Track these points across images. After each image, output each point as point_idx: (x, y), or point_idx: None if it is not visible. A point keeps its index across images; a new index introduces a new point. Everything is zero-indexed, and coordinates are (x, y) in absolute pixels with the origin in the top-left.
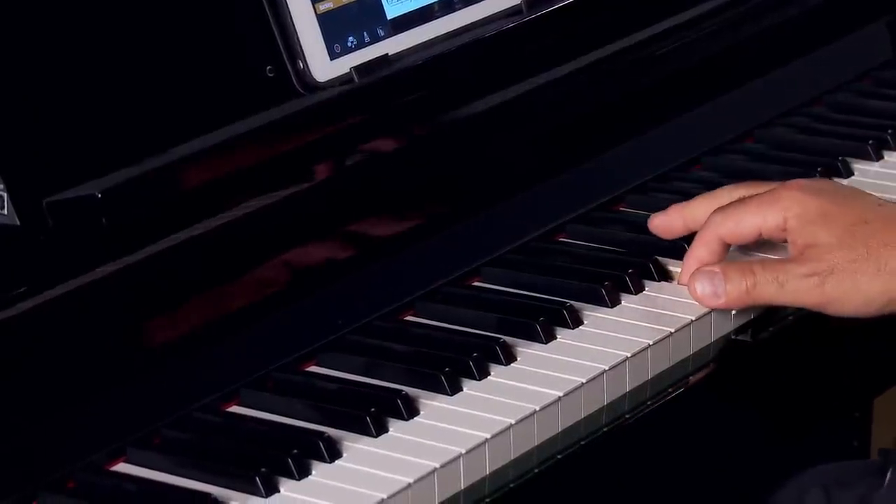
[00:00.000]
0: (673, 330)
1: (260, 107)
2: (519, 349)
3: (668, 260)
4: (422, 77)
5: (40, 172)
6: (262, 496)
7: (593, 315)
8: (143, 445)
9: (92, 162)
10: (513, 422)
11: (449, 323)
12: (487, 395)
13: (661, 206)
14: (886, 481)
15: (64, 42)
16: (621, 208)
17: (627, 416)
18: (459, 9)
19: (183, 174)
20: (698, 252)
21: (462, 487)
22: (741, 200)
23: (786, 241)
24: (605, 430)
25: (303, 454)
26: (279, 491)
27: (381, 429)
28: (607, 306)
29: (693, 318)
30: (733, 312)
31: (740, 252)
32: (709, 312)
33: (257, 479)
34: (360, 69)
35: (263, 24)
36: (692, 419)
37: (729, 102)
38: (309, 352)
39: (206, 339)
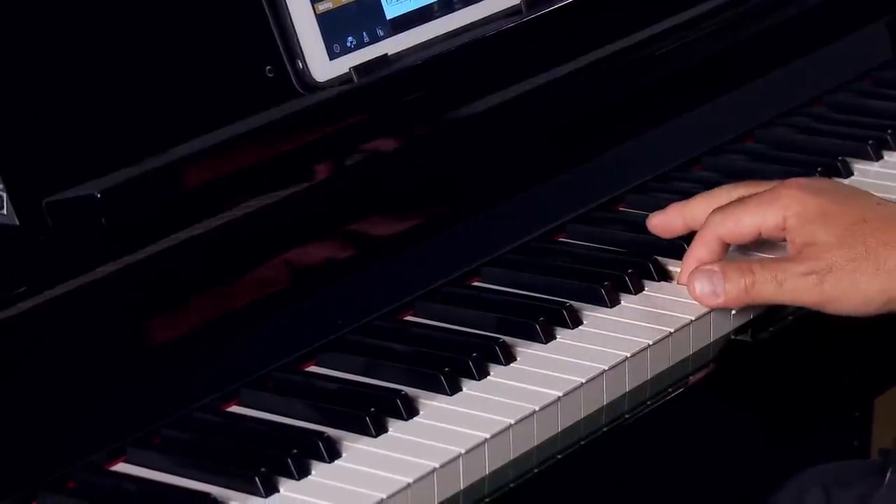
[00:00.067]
0: (672, 330)
1: (259, 107)
2: (518, 349)
3: (668, 260)
4: (421, 77)
5: (40, 172)
6: (261, 496)
7: (593, 315)
8: (143, 445)
9: (92, 162)
10: (512, 422)
11: (449, 323)
12: (487, 395)
13: (661, 207)
14: (886, 481)
15: (64, 42)
16: (621, 208)
17: (627, 416)
18: (459, 9)
19: (183, 174)
20: (698, 252)
21: (462, 487)
22: (740, 200)
23: (785, 240)
24: (604, 430)
25: (302, 454)
26: (279, 491)
27: (381, 429)
28: (607, 306)
29: (693, 318)
30: (733, 312)
31: (740, 252)
32: (708, 312)
33: (257, 479)
34: (360, 69)
35: (263, 24)
36: (692, 419)
37: (729, 102)
38: (309, 352)
39: (206, 339)
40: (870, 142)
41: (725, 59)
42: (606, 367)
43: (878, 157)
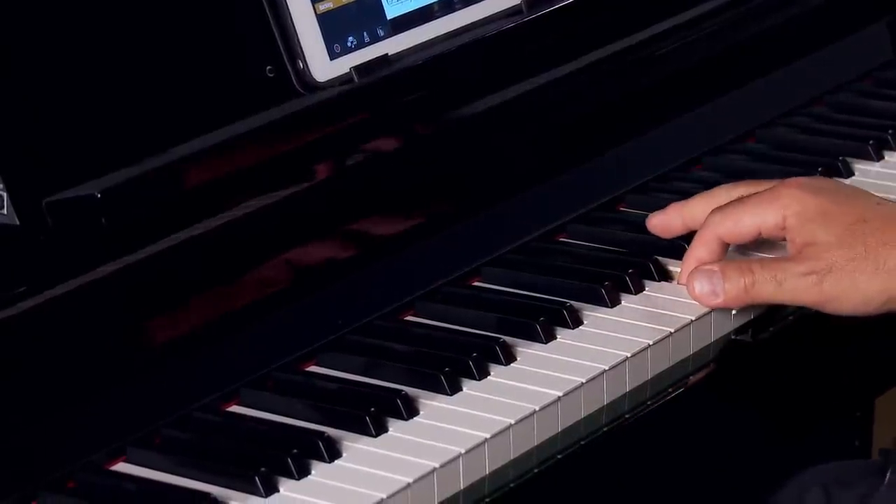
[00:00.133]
0: (673, 330)
1: (260, 107)
2: (519, 349)
3: (669, 260)
4: (422, 77)
5: (40, 172)
6: (261, 496)
7: (593, 315)
8: (143, 445)
9: (91, 162)
10: (512, 422)
11: (449, 323)
12: (487, 395)
13: (662, 207)
14: (886, 481)
15: (64, 42)
16: (621, 208)
17: (627, 415)
18: (459, 9)
19: (183, 174)
20: (697, 252)
21: (462, 487)
22: (740, 199)
23: (785, 239)
24: (604, 430)
25: (302, 454)
26: (279, 491)
27: (381, 429)
28: (607, 306)
29: (693, 318)
30: (733, 312)
31: (739, 252)
32: (709, 312)
33: (257, 478)
34: (360, 69)
35: (263, 25)
36: (692, 419)
37: (730, 102)
38: (309, 351)
39: (206, 338)
40: (871, 142)
41: (726, 59)
42: (607, 367)
43: (879, 158)
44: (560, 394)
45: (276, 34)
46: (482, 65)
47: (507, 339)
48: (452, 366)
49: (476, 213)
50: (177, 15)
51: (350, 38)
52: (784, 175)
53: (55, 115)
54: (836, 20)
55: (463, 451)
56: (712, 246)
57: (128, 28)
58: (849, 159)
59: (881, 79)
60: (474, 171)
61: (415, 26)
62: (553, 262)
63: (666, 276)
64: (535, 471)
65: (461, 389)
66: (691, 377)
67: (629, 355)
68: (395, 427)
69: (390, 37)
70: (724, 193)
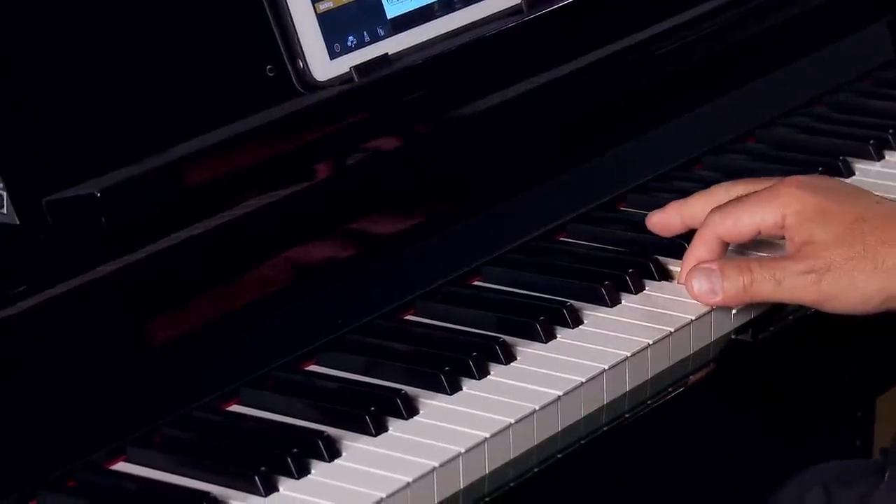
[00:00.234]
0: (673, 329)
1: (260, 106)
2: (519, 348)
3: (669, 259)
4: (422, 77)
5: (40, 171)
6: (261, 495)
7: (593, 314)
8: (143, 444)
9: (92, 161)
10: (512, 421)
11: (449, 322)
12: (487, 395)
13: (662, 206)
14: (885, 480)
15: (64, 41)
16: (622, 208)
17: (627, 415)
18: (459, 8)
19: (183, 173)
20: (697, 251)
21: (461, 487)
22: (739, 198)
23: (784, 238)
24: (604, 429)
25: (302, 453)
26: (278, 490)
27: (381, 428)
28: (607, 306)
29: (693, 318)
30: (733, 312)
31: (739, 251)
32: (709, 312)
33: (256, 478)
34: (360, 69)
35: (263, 24)
36: (692, 419)
37: (730, 102)
38: (309, 351)
39: (206, 338)
40: (871, 142)
41: (726, 58)
42: (607, 367)
43: (880, 157)
44: (560, 393)
45: (277, 34)
46: (482, 64)
47: (508, 338)
48: (452, 365)
49: (476, 213)
50: (177, 14)
51: (350, 38)
52: (784, 175)
53: (55, 115)
54: (837, 20)
55: (463, 450)
56: (712, 245)
57: (128, 27)
58: (849, 159)
59: (881, 79)
60: (474, 170)
61: (415, 26)
62: (553, 262)
63: (666, 275)
64: (535, 470)
65: (461, 389)
66: (691, 377)
67: (629, 355)
68: (395, 426)
69: (390, 36)
70: (724, 192)
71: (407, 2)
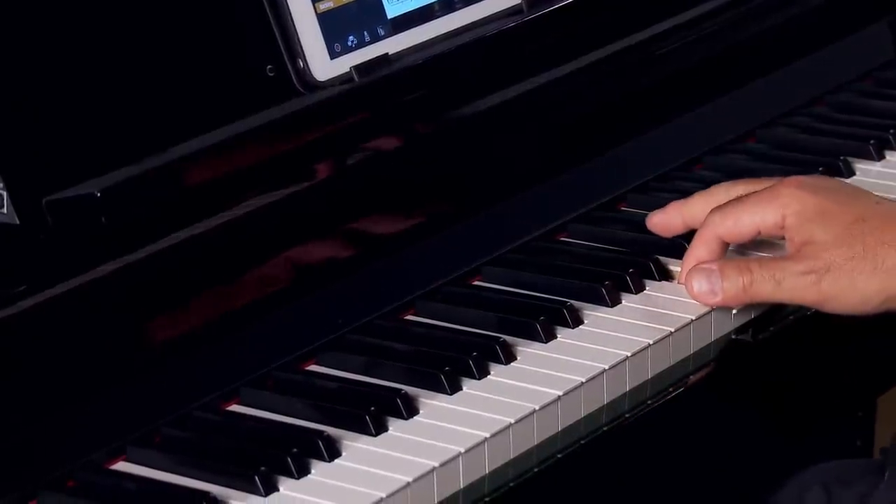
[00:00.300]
0: (673, 329)
1: (260, 106)
2: (519, 348)
3: (669, 259)
4: (422, 76)
5: (40, 171)
6: (261, 495)
7: (594, 314)
8: (143, 444)
9: (92, 161)
10: (512, 421)
11: (449, 322)
12: (487, 395)
13: (663, 206)
14: (885, 480)
15: (64, 41)
16: (622, 208)
17: (627, 415)
18: (460, 8)
19: (183, 173)
20: (697, 251)
21: (461, 487)
22: (739, 199)
23: (784, 238)
24: (604, 429)
25: (302, 453)
26: (278, 490)
27: (381, 428)
28: (608, 306)
29: (693, 318)
30: (734, 312)
31: (739, 251)
32: (709, 312)
33: (256, 478)
34: (361, 68)
35: (264, 24)
36: (692, 419)
37: (730, 102)
38: (309, 351)
39: (207, 337)
40: (871, 142)
41: (727, 58)
42: (607, 367)
43: (880, 157)
44: (560, 393)
45: (277, 33)
46: (482, 64)
47: (508, 338)
48: (452, 365)
49: (476, 213)
50: (177, 14)
51: (350, 38)
52: (785, 175)
53: (55, 115)
54: (837, 20)
55: (463, 450)
56: (712, 245)
57: (128, 27)
58: (850, 159)
59: (882, 78)
60: (475, 170)
61: (415, 26)
62: (553, 262)
63: (666, 275)
64: (535, 470)
65: (461, 389)
66: (692, 377)
67: (629, 355)
68: (395, 426)
69: (391, 36)
70: (724, 192)
71: (407, 2)
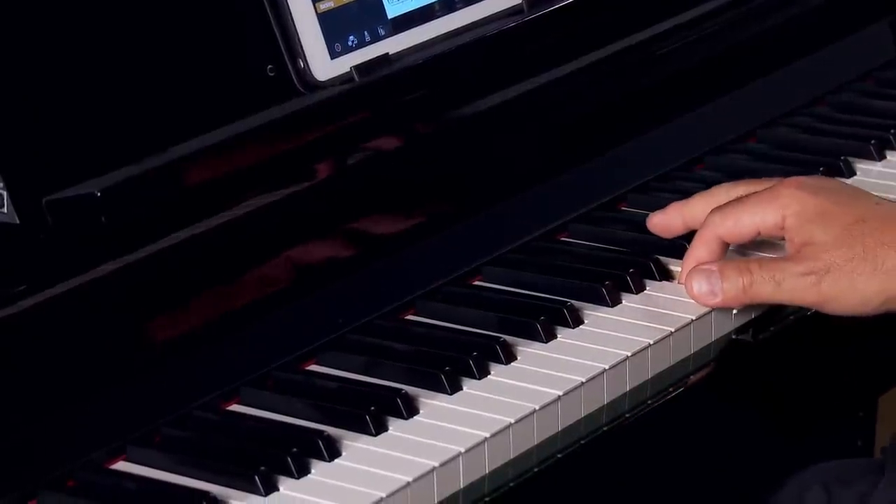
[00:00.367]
0: (673, 329)
1: (260, 106)
2: (519, 348)
3: (670, 259)
4: (422, 76)
5: (40, 171)
6: (261, 495)
7: (594, 314)
8: (143, 444)
9: (92, 161)
10: (512, 421)
11: (449, 322)
12: (487, 395)
13: (663, 206)
14: (884, 479)
15: (64, 41)
16: (623, 208)
17: (627, 415)
18: (460, 8)
19: (183, 173)
20: (697, 252)
21: (461, 486)
22: (739, 199)
23: (784, 239)
24: (605, 429)
25: (302, 453)
26: (278, 489)
27: (381, 428)
28: (608, 306)
29: (694, 318)
30: (734, 312)
31: (739, 251)
32: (709, 312)
33: (256, 477)
34: (361, 68)
35: (264, 24)
36: (692, 419)
37: (731, 102)
38: (309, 350)
39: (207, 337)
40: (872, 142)
41: (727, 58)
42: (607, 367)
43: (881, 157)
44: (560, 393)
45: (277, 33)
46: (483, 64)
47: (508, 338)
48: (453, 365)
49: (477, 213)
50: (178, 14)
51: (351, 38)
52: (786, 175)
53: (55, 115)
54: (838, 20)
55: (463, 450)
56: (712, 246)
57: (128, 27)
58: (850, 159)
59: (883, 78)
60: (475, 170)
61: (416, 25)
62: (554, 262)
63: (667, 275)
64: (535, 470)
65: (461, 388)
66: (692, 377)
67: (630, 354)
68: (395, 426)
69: (391, 36)
70: (724, 193)
71: (408, 1)
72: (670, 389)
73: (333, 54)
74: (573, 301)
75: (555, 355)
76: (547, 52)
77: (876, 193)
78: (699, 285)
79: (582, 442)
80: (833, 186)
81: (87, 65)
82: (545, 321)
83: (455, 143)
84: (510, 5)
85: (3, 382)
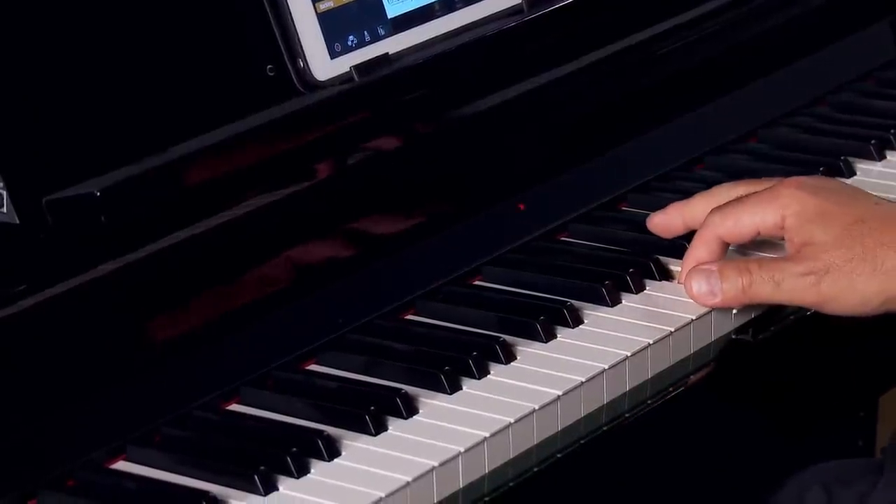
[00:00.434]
0: (673, 329)
1: (260, 106)
2: (519, 348)
3: (670, 259)
4: (422, 76)
5: (40, 171)
6: (260, 494)
7: (594, 314)
8: (143, 443)
9: (92, 160)
10: (512, 420)
11: (449, 322)
12: (487, 394)
13: (664, 206)
14: (883, 478)
15: (64, 41)
16: (623, 208)
17: (627, 415)
18: (460, 8)
19: (183, 173)
20: (697, 252)
21: (461, 486)
22: (739, 199)
23: (784, 239)
24: (604, 429)
25: (302, 452)
26: (278, 489)
27: (381, 427)
28: (608, 305)
29: (693, 318)
30: (734, 312)
31: (739, 251)
32: (709, 312)
33: (256, 477)
34: (361, 68)
35: (264, 24)
36: (692, 419)
37: (732, 102)
38: (309, 350)
39: (207, 337)
40: (872, 142)
41: (728, 58)
42: (607, 367)
43: (881, 157)
44: (560, 393)
45: (277, 33)
46: (483, 64)
47: (508, 338)
48: (452, 365)
49: (477, 212)
50: (178, 14)
51: (351, 37)
52: (786, 175)
53: (55, 114)
54: (838, 20)
55: (462, 449)
56: (712, 246)
57: (128, 27)
58: (851, 159)
59: (883, 79)
60: (475, 169)
61: (415, 25)
62: (554, 262)
63: (667, 275)
64: (535, 470)
65: (461, 388)
66: (691, 376)
67: (629, 354)
68: (395, 426)
69: (391, 36)
70: (724, 193)
71: (407, 1)
72: (670, 389)
73: (333, 54)
74: (573, 301)
75: (554, 355)
76: (547, 52)
77: (876, 193)
78: (699, 285)
79: (582, 442)
80: (833, 186)
81: (87, 65)
82: (545, 321)
83: (455, 143)
84: (510, 5)
85: (3, 382)
